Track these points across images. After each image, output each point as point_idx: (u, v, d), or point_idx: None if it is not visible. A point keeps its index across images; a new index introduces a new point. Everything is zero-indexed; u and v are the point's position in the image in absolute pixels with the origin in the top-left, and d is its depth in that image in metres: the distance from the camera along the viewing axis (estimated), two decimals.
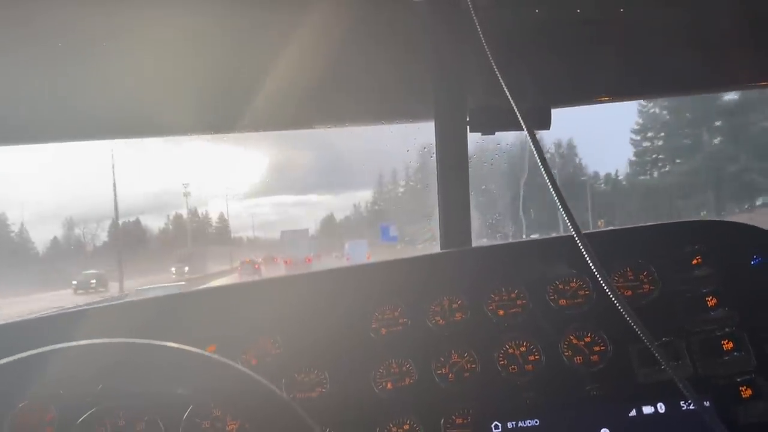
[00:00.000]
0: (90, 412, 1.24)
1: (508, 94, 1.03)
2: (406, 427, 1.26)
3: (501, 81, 1.04)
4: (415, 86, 1.71)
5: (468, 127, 1.66)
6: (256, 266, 24.49)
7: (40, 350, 0.79)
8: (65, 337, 0.85)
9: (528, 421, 1.08)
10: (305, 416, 0.77)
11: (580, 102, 1.87)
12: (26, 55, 1.28)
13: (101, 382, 0.90)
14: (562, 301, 1.34)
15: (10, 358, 0.77)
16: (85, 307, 1.39)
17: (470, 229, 1.68)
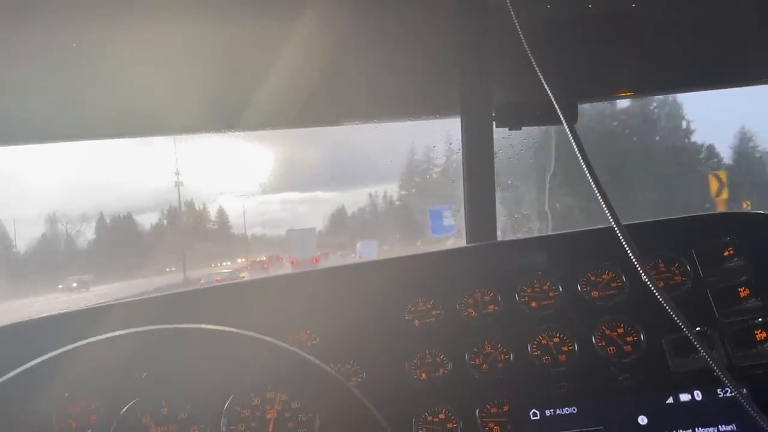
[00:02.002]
0: (133, 401, 1.27)
1: (546, 87, 1.05)
2: (442, 416, 1.28)
3: (539, 74, 1.06)
4: (441, 82, 1.73)
5: (494, 122, 1.68)
6: (265, 265, 24.49)
7: (83, 342, 0.81)
8: (103, 330, 0.87)
9: (566, 408, 1.10)
10: (367, 402, 0.79)
11: (605, 97, 1.88)
12: (33, 57, 1.30)
13: (147, 369, 0.93)
14: (595, 293, 1.36)
15: (54, 353, 0.79)
16: (120, 300, 1.42)
17: (495, 224, 1.69)
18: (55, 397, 0.83)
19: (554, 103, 1.05)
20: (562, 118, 1.05)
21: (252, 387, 1.29)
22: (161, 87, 1.58)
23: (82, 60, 1.35)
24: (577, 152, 1.03)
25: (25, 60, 1.31)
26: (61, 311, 1.42)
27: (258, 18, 1.31)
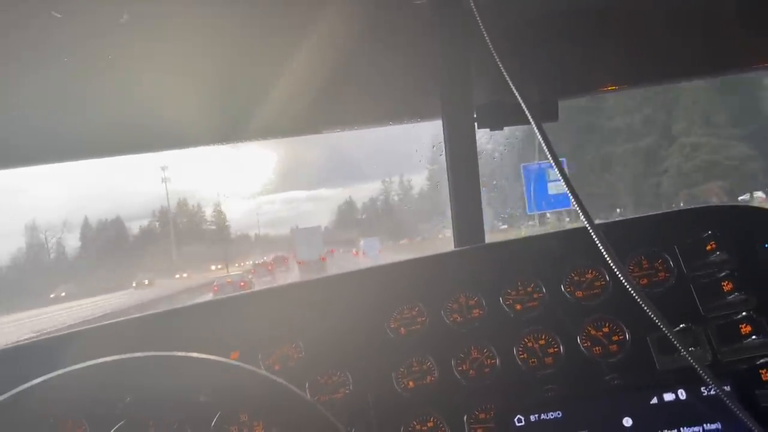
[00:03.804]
0: (120, 424, 1.27)
1: (514, 89, 1.05)
2: (430, 424, 1.28)
3: (506, 77, 1.05)
4: (421, 86, 1.72)
5: (476, 123, 1.67)
6: (269, 267, 24.33)
7: (72, 368, 0.81)
8: (91, 352, 0.88)
9: (551, 413, 1.10)
10: (328, 416, 0.79)
11: (586, 92, 1.87)
12: (33, 74, 1.30)
13: (129, 394, 0.93)
14: (579, 293, 1.35)
15: (42, 378, 0.80)
16: (110, 321, 1.42)
17: (483, 225, 1.69)
18: (39, 423, 0.84)
19: (521, 102, 1.04)
20: (530, 117, 1.04)
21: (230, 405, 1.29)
22: (159, 103, 1.58)
23: (82, 79, 1.35)
24: (546, 151, 1.02)
25: (27, 80, 1.31)
26: (46, 335, 1.43)
27: (243, 34, 1.31)
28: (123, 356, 0.85)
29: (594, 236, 0.97)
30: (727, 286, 1.27)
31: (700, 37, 1.61)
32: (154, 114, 1.62)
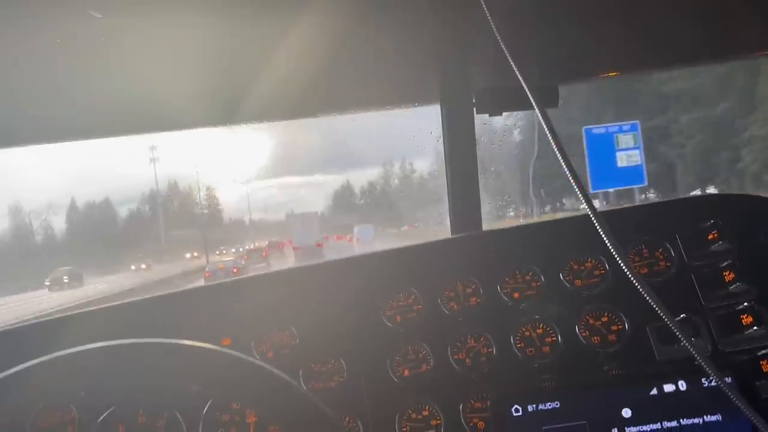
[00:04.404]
0: (110, 410, 1.25)
1: (517, 72, 1.01)
2: (426, 413, 1.26)
3: (510, 60, 1.02)
4: (419, 70, 1.69)
5: (474, 108, 1.64)
6: (263, 254, 23.83)
7: (58, 354, 0.79)
8: (81, 337, 0.85)
9: (549, 403, 1.08)
10: (320, 404, 0.77)
11: (587, 77, 1.84)
12: (25, 55, 1.26)
13: (118, 382, 0.90)
14: (578, 282, 1.33)
15: (29, 363, 0.77)
16: (103, 306, 1.39)
17: (480, 213, 1.66)
18: (29, 408, 0.81)
19: (524, 86, 1.01)
20: (533, 102, 1.01)
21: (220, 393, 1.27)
22: (153, 84, 1.54)
23: (76, 59, 1.31)
24: (549, 137, 0.99)
25: (20, 60, 1.27)
26: (38, 318, 1.40)
27: (236, 15, 1.27)
28: (112, 342, 0.82)
29: (596, 223, 0.94)
30: (728, 276, 1.25)
31: (706, 22, 1.58)
32: (144, 95, 1.57)
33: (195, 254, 29.19)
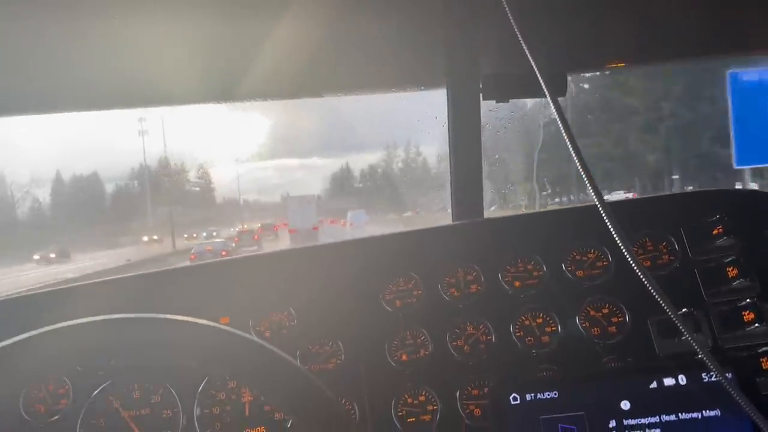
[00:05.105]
0: (104, 385, 1.24)
1: (531, 59, 0.99)
2: (422, 398, 1.26)
3: (524, 46, 1.00)
4: (426, 53, 1.66)
5: (481, 94, 1.62)
6: (255, 237, 23.02)
7: (56, 326, 0.77)
8: (76, 311, 0.83)
9: (547, 393, 1.07)
10: (321, 384, 0.76)
11: (596, 68, 1.82)
12: (14, 23, 1.23)
13: (114, 357, 0.89)
14: (580, 273, 1.32)
15: (23, 336, 0.75)
16: (99, 280, 1.38)
17: (482, 200, 1.65)
18: (23, 381, 0.80)
19: (537, 74, 0.99)
20: (545, 90, 0.99)
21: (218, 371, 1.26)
22: (153, 58, 1.51)
23: (74, 30, 1.28)
24: (561, 126, 0.98)
25: (8, 29, 1.24)
26: (32, 290, 1.38)
27: None
28: (108, 317, 0.80)
29: (603, 214, 0.93)
30: (732, 272, 1.24)
31: (718, 17, 1.55)
32: (141, 68, 1.54)
33: (155, 237, 25.36)
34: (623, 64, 1.82)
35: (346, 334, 1.31)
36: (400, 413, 1.25)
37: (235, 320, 1.30)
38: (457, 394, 1.24)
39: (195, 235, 27.11)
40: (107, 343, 0.79)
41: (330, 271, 1.38)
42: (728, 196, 1.38)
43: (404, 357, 1.30)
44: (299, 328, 1.32)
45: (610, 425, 1.04)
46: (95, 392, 1.23)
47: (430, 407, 1.25)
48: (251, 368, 0.77)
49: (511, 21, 1.01)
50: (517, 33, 1.01)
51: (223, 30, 1.42)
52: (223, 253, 18.10)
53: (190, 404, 1.23)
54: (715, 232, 1.29)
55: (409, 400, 1.26)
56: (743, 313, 1.21)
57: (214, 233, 26.53)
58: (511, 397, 1.07)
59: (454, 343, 1.29)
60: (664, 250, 1.32)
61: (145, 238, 25.46)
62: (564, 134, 0.98)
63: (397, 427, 1.24)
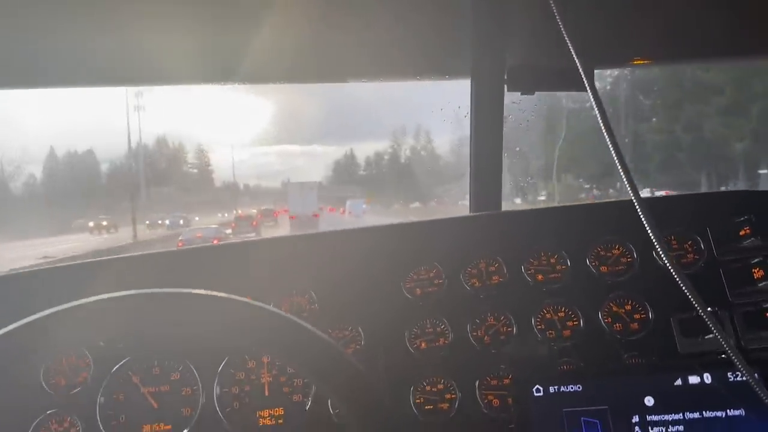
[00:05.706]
0: (124, 360, 1.24)
1: (573, 51, 0.98)
2: (440, 387, 1.26)
3: (567, 39, 0.99)
4: (453, 42, 1.64)
5: (505, 86, 1.61)
6: (254, 223, 22.24)
7: (79, 302, 0.76)
8: (98, 286, 0.83)
9: (570, 386, 1.07)
10: (355, 361, 0.75)
11: (622, 63, 1.80)
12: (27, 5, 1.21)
13: (135, 332, 0.88)
14: (604, 268, 1.32)
15: (46, 312, 0.75)
16: (118, 256, 1.37)
17: (501, 193, 1.64)
18: (42, 356, 0.79)
19: (579, 67, 0.98)
20: (587, 84, 0.98)
21: (247, 350, 1.26)
22: (156, 35, 1.49)
23: (76, 6, 1.26)
24: (600, 121, 0.97)
25: (14, 5, 1.22)
26: (56, 264, 1.38)
27: None
28: (131, 292, 0.80)
29: (639, 211, 0.92)
30: (757, 273, 1.24)
31: (746, 15, 1.54)
32: (142, 45, 1.52)
33: (104, 223, 21.06)
34: (651, 62, 1.81)
35: (367, 320, 1.31)
36: (418, 400, 1.25)
37: (256, 301, 1.30)
38: (476, 383, 1.24)
39: (160, 222, 23.30)
40: (130, 319, 0.79)
41: (352, 256, 1.37)
42: (757, 197, 1.37)
43: (423, 345, 1.29)
44: (319, 312, 1.32)
45: (633, 420, 1.04)
46: (116, 367, 1.23)
47: (448, 396, 1.25)
48: (289, 342, 0.77)
49: (555, 14, 1.00)
50: (559, 23, 1.00)
51: (236, 8, 1.40)
52: (215, 241, 17.45)
53: (210, 383, 1.23)
54: (742, 233, 1.28)
55: (428, 388, 1.26)
56: (767, 314, 1.21)
57: (181, 221, 22.99)
58: (534, 389, 1.07)
59: (475, 334, 1.29)
60: (690, 249, 1.32)
61: (91, 224, 21.04)
62: (602, 128, 0.97)
63: (415, 414, 1.24)
